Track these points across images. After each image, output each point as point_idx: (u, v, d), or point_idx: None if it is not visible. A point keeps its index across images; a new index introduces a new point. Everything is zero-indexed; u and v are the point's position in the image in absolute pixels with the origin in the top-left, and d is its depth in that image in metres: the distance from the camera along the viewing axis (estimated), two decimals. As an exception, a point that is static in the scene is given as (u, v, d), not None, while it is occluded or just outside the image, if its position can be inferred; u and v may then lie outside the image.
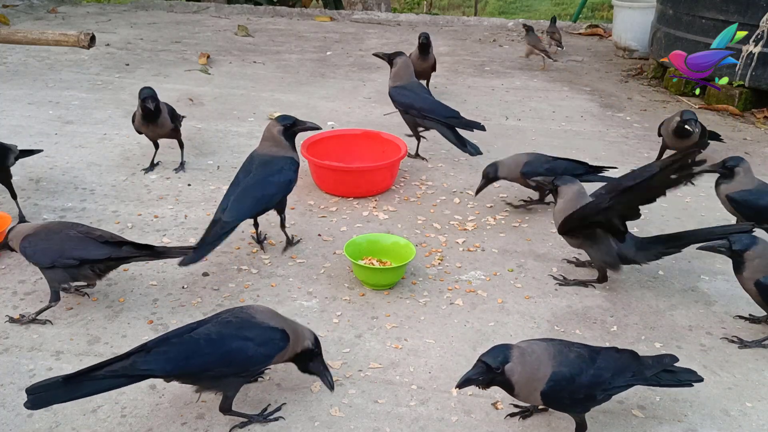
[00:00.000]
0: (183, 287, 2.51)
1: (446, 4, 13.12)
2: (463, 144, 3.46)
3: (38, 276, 2.55)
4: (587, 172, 3.08)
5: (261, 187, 2.57)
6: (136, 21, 7.41)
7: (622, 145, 4.09)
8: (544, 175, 2.92)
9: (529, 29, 5.80)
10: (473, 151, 3.45)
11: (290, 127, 2.66)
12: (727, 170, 2.71)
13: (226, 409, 1.85)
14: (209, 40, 6.58)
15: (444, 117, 3.48)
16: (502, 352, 1.70)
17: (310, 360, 1.91)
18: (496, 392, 2.03)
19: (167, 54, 5.97)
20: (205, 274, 2.60)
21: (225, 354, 1.76)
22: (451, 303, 2.46)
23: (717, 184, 2.77)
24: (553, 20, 6.36)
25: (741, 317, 2.40)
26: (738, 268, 2.26)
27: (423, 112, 3.50)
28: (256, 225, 2.79)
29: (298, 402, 1.97)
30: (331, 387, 1.93)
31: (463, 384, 1.67)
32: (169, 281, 2.55)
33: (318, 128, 2.76)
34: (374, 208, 3.19)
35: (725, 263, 2.78)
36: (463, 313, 2.41)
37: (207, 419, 1.89)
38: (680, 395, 2.03)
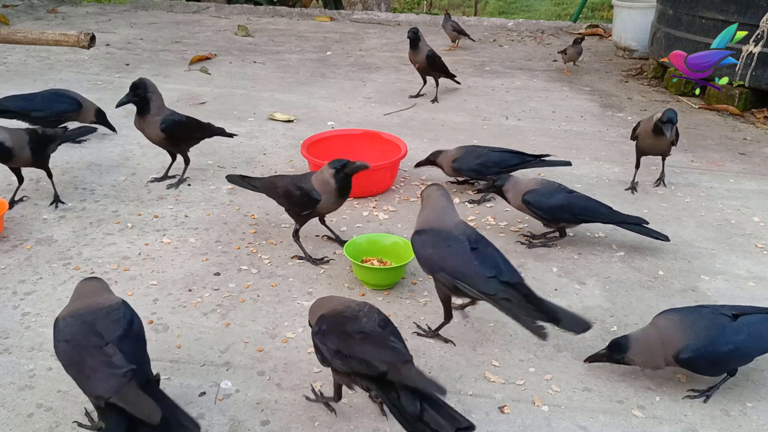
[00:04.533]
0: (183, 287, 2.51)
1: (446, 4, 13.12)
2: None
3: (38, 276, 2.55)
4: (524, 162, 3.27)
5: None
6: (136, 21, 7.41)
7: (622, 145, 4.08)
8: (475, 170, 3.22)
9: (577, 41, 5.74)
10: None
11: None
12: (497, 188, 2.88)
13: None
14: (209, 40, 6.59)
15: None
16: None
17: None
18: (497, 392, 2.03)
19: (167, 54, 5.97)
20: (217, 274, 2.60)
21: None
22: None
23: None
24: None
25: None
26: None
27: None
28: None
29: (298, 402, 1.97)
30: None
31: None
32: (169, 281, 2.55)
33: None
34: (374, 208, 3.19)
35: (725, 263, 2.79)
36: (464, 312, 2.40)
37: (207, 419, 1.89)
38: (680, 395, 2.03)
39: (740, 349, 1.96)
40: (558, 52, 5.99)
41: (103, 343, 1.67)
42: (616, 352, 2.04)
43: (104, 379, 1.60)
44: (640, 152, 3.39)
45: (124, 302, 1.84)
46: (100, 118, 3.84)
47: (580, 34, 7.32)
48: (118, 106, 3.11)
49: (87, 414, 1.88)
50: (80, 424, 1.85)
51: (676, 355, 1.95)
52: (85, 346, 1.67)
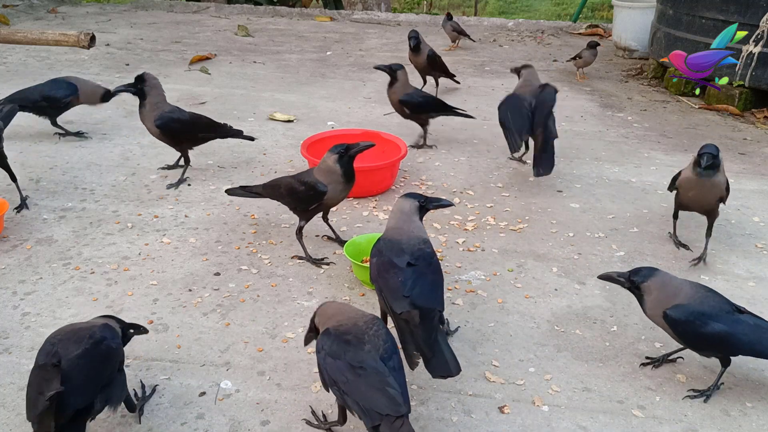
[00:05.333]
0: (183, 287, 2.51)
1: (446, 4, 13.12)
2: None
3: (38, 276, 2.55)
4: (448, 110, 3.89)
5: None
6: (136, 21, 7.41)
7: (622, 145, 4.09)
8: (417, 105, 3.77)
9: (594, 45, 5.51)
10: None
11: None
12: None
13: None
14: (209, 40, 6.59)
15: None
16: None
17: None
18: (497, 392, 2.03)
19: (167, 54, 5.97)
20: (217, 274, 2.60)
21: None
22: (451, 303, 2.46)
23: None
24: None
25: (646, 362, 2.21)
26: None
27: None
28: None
29: (298, 402, 1.97)
30: None
31: None
32: (169, 281, 2.55)
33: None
34: (374, 208, 3.19)
35: (725, 263, 2.79)
36: (463, 313, 2.41)
37: (207, 419, 1.89)
38: (680, 395, 2.03)
39: (729, 336, 1.95)
40: (570, 59, 5.69)
41: (56, 362, 1.61)
42: (637, 276, 2.05)
43: (34, 404, 1.56)
44: (680, 206, 2.85)
45: (106, 324, 1.78)
46: (106, 98, 3.91)
47: (580, 34, 7.32)
48: (114, 91, 3.25)
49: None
50: None
51: (668, 308, 1.98)
52: (42, 365, 1.64)
